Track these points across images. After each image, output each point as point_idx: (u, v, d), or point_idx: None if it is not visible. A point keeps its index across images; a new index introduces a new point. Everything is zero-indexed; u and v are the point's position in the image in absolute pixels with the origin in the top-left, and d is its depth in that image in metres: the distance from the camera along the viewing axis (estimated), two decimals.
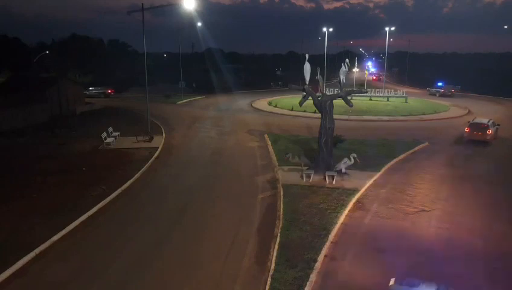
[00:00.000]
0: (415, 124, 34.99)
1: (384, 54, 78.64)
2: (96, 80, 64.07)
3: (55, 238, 12.79)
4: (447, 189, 18.01)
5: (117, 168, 20.47)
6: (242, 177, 19.73)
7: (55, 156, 22.96)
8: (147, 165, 21.28)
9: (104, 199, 16.17)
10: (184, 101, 52.24)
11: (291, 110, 41.29)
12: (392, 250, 12.37)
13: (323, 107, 19.12)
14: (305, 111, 35.72)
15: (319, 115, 19.70)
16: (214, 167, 21.80)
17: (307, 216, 14.44)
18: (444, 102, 49.81)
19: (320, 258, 11.61)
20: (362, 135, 28.84)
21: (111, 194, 16.81)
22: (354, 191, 17.12)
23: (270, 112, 42.16)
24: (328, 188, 17.50)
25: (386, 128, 32.77)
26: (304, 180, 18.33)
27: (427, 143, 26.50)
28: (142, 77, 29.49)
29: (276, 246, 12.20)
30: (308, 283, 10.34)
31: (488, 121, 27.13)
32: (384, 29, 61.79)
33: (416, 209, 15.47)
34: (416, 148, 25.29)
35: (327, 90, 40.60)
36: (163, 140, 27.43)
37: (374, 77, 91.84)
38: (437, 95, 53.14)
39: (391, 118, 38.28)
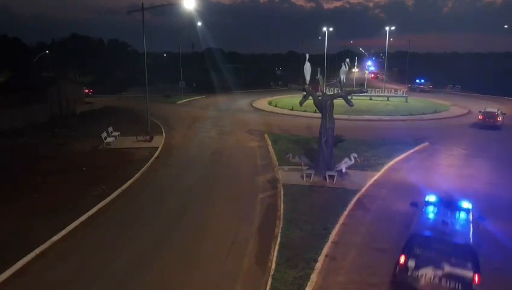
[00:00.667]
0: (415, 124, 34.96)
1: (384, 54, 78.81)
2: (96, 79, 64.02)
3: (55, 238, 12.77)
4: (447, 191, 17.98)
5: (117, 168, 20.45)
6: (242, 177, 19.71)
7: (55, 156, 22.94)
8: (147, 165, 21.26)
9: (104, 199, 16.15)
10: (184, 101, 52.22)
11: (292, 109, 41.27)
12: (393, 250, 12.34)
13: (324, 106, 19.09)
14: (305, 111, 35.70)
15: (319, 114, 19.67)
16: (214, 166, 21.77)
17: (308, 216, 14.42)
18: (444, 102, 49.82)
19: (321, 258, 11.59)
20: (362, 134, 28.82)
21: (111, 194, 16.79)
22: (355, 190, 17.10)
23: (270, 112, 42.14)
24: (328, 187, 17.49)
25: (387, 128, 32.75)
26: (304, 180, 18.31)
27: (427, 143, 26.47)
28: (142, 77, 29.49)
29: (277, 246, 12.19)
30: (308, 283, 10.32)
31: (497, 110, 32.78)
32: (384, 28, 61.86)
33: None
34: (417, 147, 25.26)
35: (327, 90, 40.55)
36: (163, 140, 27.41)
37: (372, 75, 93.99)
38: (417, 90, 58.29)
39: (391, 117, 38.27)
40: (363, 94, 40.30)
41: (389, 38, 62.53)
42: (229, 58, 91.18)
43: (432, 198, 11.68)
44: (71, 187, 17.54)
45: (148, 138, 26.81)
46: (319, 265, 11.21)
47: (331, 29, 63.89)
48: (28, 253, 11.70)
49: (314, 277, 10.65)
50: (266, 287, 10.18)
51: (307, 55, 20.11)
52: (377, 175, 19.41)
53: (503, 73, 62.95)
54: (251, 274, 11.02)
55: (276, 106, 45.98)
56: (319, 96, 19.78)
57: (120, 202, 16.46)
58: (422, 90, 51.27)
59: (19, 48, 69.88)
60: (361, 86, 57.31)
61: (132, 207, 15.97)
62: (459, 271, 9.18)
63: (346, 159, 18.95)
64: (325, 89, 34.61)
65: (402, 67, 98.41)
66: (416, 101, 49.69)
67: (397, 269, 9.90)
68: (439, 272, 9.40)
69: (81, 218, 14.32)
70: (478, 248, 9.56)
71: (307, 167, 19.26)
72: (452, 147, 25.64)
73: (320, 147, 19.26)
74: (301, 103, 20.11)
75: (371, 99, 50.51)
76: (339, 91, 20.20)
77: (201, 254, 12.11)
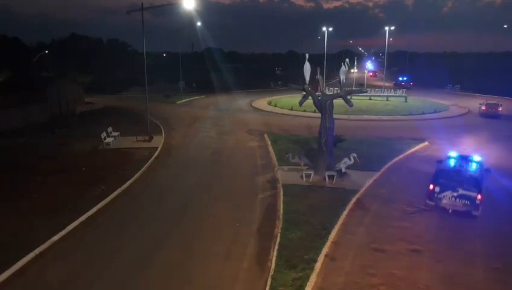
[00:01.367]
0: (414, 124, 34.94)
1: (383, 54, 78.83)
2: (96, 79, 63.97)
3: (55, 238, 12.77)
4: None
5: (116, 168, 20.45)
6: (242, 177, 19.71)
7: (55, 156, 22.93)
8: (146, 165, 21.26)
9: (103, 199, 16.14)
10: (184, 100, 52.21)
11: (291, 109, 41.26)
12: (393, 250, 12.36)
13: (323, 106, 19.09)
14: (304, 111, 35.69)
15: (319, 114, 19.68)
16: (214, 166, 21.78)
17: (307, 216, 14.42)
18: (444, 101, 49.83)
19: (321, 258, 11.59)
20: (362, 134, 28.82)
21: (110, 194, 16.78)
22: (354, 190, 17.11)
23: (270, 112, 42.14)
24: (328, 187, 17.50)
25: (386, 128, 32.75)
26: (304, 180, 18.32)
27: (427, 142, 26.48)
28: (141, 77, 29.44)
29: (276, 246, 12.19)
30: (308, 283, 10.33)
31: (498, 102, 39.56)
32: (383, 28, 61.93)
33: (416, 209, 15.46)
34: (416, 147, 25.27)
35: (327, 89, 40.56)
36: (162, 140, 27.40)
37: (371, 73, 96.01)
38: (399, 87, 63.21)
39: (391, 117, 38.28)
40: (362, 94, 40.28)
41: (388, 38, 62.65)
42: (229, 58, 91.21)
43: (453, 154, 16.93)
44: (71, 187, 17.54)
45: (147, 138, 26.81)
46: (318, 265, 11.21)
47: (330, 29, 63.92)
48: (28, 253, 11.70)
49: (313, 277, 10.65)
50: (266, 288, 10.19)
51: (307, 55, 20.12)
52: (376, 175, 19.42)
53: (503, 73, 62.97)
54: (251, 274, 11.03)
55: (275, 105, 45.97)
56: (318, 96, 19.79)
57: (119, 202, 16.46)
58: (403, 87, 57.36)
59: (19, 48, 69.86)
60: (361, 86, 57.29)
61: (131, 207, 15.98)
62: (468, 193, 14.41)
63: (346, 159, 18.95)
64: (325, 89, 34.61)
65: (402, 66, 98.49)
66: (416, 101, 49.68)
67: (428, 194, 15.23)
68: (455, 194, 14.69)
69: (80, 218, 14.31)
70: (482, 180, 14.88)
71: (306, 167, 19.27)
72: (451, 147, 25.63)
73: (320, 147, 19.26)
74: (301, 103, 20.11)
75: (370, 99, 50.51)
76: (339, 91, 20.19)
77: (201, 254, 12.11)
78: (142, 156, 22.95)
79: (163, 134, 29.41)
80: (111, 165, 21.04)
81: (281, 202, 15.73)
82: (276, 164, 21.17)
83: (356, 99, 37.97)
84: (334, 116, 19.65)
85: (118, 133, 27.48)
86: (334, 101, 19.55)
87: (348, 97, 19.75)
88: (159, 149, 24.83)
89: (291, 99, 47.18)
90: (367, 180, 18.46)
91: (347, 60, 20.64)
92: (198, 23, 63.06)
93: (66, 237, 13.08)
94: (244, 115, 39.88)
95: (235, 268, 11.34)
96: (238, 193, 17.50)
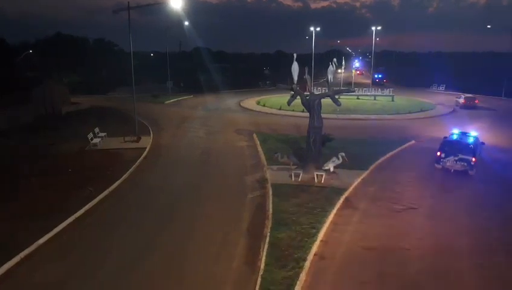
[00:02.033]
0: (401, 123, 35.41)
1: (370, 53, 79.74)
2: (82, 79, 63.00)
3: (41, 241, 12.57)
4: (431, 190, 18.31)
5: (104, 169, 20.21)
6: (231, 177, 19.70)
7: (41, 157, 22.55)
8: (134, 165, 21.07)
9: (91, 201, 15.95)
10: (172, 100, 51.89)
11: (280, 109, 41.36)
12: (382, 248, 12.51)
13: (312, 106, 19.20)
14: (293, 110, 35.80)
15: (307, 114, 19.79)
16: (203, 167, 21.71)
17: (296, 215, 14.49)
18: (430, 100, 50.58)
19: (310, 257, 11.67)
20: (350, 133, 29.07)
21: (98, 195, 16.59)
22: (343, 189, 17.26)
23: (259, 112, 42.18)
24: (317, 187, 17.60)
25: (374, 127, 33.11)
26: (293, 179, 18.39)
27: (413, 141, 26.86)
28: (129, 77, 29.12)
29: (266, 246, 12.22)
30: (298, 282, 10.39)
31: (474, 96, 45.34)
32: (370, 28, 62.54)
33: (403, 207, 15.68)
34: (403, 146, 25.61)
35: (315, 89, 40.76)
36: (151, 140, 27.19)
37: (358, 72, 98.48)
38: (374, 81, 71.46)
39: (378, 116, 38.68)
40: (350, 93, 40.54)
41: (375, 38, 63.28)
42: (217, 57, 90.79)
43: (455, 130, 21.67)
44: (57, 189, 17.28)
45: (135, 138, 26.57)
46: (308, 264, 11.28)
47: (318, 29, 64.21)
48: (14, 256, 11.49)
49: (303, 276, 10.72)
50: (255, 287, 10.21)
51: (295, 55, 20.19)
52: (364, 174, 19.62)
53: (487, 72, 64.16)
54: (240, 274, 11.04)
55: (264, 105, 46.03)
56: (306, 96, 19.89)
57: (108, 203, 16.28)
58: (378, 84, 63.96)
59: (2, 47, 68.35)
60: (349, 86, 57.74)
61: (120, 208, 15.83)
62: (466, 157, 19.12)
63: (334, 158, 19.09)
64: (313, 88, 34.77)
65: (388, 66, 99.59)
66: (403, 100, 50.29)
67: (436, 159, 20.08)
68: (456, 158, 19.29)
69: (67, 220, 14.12)
70: (477, 149, 19.75)
71: (295, 167, 19.35)
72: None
73: (309, 147, 19.37)
74: (289, 103, 20.20)
75: (358, 98, 50.93)
76: (327, 90, 20.32)
77: (191, 255, 12.07)
78: (130, 157, 22.73)
79: (151, 134, 29.18)
80: (98, 166, 20.79)
81: (270, 202, 15.78)
82: (265, 163, 21.21)
83: (344, 99, 38.17)
84: (322, 115, 19.78)
85: (105, 133, 27.17)
86: (322, 100, 19.68)
87: (336, 97, 19.91)
88: (147, 149, 24.63)
89: (280, 99, 47.28)
90: (355, 179, 18.63)
91: (335, 59, 20.78)
92: (186, 23, 62.66)
93: (54, 239, 12.90)
94: (233, 115, 39.83)
95: (225, 268, 11.34)
96: (228, 193, 17.49)
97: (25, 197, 16.36)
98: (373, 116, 38.50)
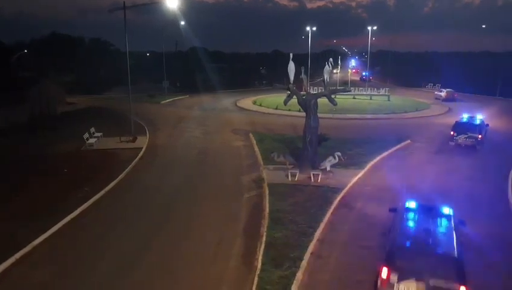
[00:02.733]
0: (397, 122, 35.55)
1: (366, 53, 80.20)
2: (77, 79, 62.71)
3: (37, 241, 12.51)
4: (428, 186, 18.39)
5: (100, 169, 20.15)
6: (228, 176, 19.69)
7: (36, 157, 22.43)
8: (130, 165, 21.01)
9: (87, 201, 15.89)
10: (168, 100, 51.79)
11: (276, 109, 41.40)
12: (378, 247, 12.54)
13: (308, 106, 19.24)
14: (289, 110, 35.86)
15: (304, 113, 19.82)
16: (199, 166, 21.68)
17: (293, 215, 14.52)
18: (425, 100, 50.86)
19: (306, 256, 11.70)
20: (346, 133, 29.15)
21: (94, 195, 16.53)
22: (339, 189, 17.31)
23: (255, 111, 42.19)
24: (313, 186, 17.64)
25: (370, 127, 33.22)
26: (289, 179, 18.42)
27: (409, 141, 26.97)
28: (125, 77, 28.98)
29: (263, 246, 12.23)
30: (294, 282, 10.40)
31: (454, 91, 51.64)
32: (366, 28, 62.72)
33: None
34: (399, 145, 25.71)
35: (311, 89, 40.84)
36: (147, 140, 27.12)
37: (354, 70, 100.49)
38: (361, 78, 79.20)
39: (374, 116, 38.82)
40: (346, 93, 40.68)
41: (371, 38, 63.48)
42: (214, 57, 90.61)
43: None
44: (53, 189, 17.20)
45: (131, 138, 26.50)
46: (304, 263, 11.31)
47: (314, 28, 64.26)
48: (9, 257, 11.42)
49: (299, 275, 10.74)
50: (252, 287, 10.21)
51: (291, 55, 20.23)
52: (361, 173, 19.68)
53: (483, 72, 64.42)
54: (237, 274, 11.04)
55: (260, 105, 46.05)
56: (303, 96, 19.93)
57: (104, 203, 16.23)
58: (364, 80, 68.88)
59: None
60: (345, 85, 57.89)
61: (116, 208, 15.77)
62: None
63: (331, 158, 19.14)
64: (309, 88, 34.81)
65: (384, 66, 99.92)
66: (398, 100, 50.55)
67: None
68: (466, 136, 19.92)
69: (63, 220, 14.06)
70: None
71: (291, 166, 19.38)
72: (432, 145, 26.19)
73: (305, 146, 19.41)
74: (285, 102, 20.25)
75: (354, 98, 51.09)
76: (323, 90, 20.35)
77: (188, 255, 12.06)
78: (126, 157, 22.66)
79: (147, 134, 29.10)
80: (94, 166, 20.72)
81: (267, 201, 15.79)
82: (262, 163, 21.22)
83: (340, 98, 38.28)
84: (319, 115, 19.82)
85: (101, 133, 27.06)
86: (319, 100, 19.72)
87: (332, 96, 19.95)
88: (143, 150, 24.57)
89: (276, 98, 47.32)
90: (351, 179, 18.69)
91: (331, 59, 20.82)
92: (182, 22, 62.47)
93: (49, 240, 12.83)
94: (229, 115, 39.82)
95: (222, 268, 11.34)
96: (224, 192, 17.48)
97: (20, 197, 16.26)
98: (369, 116, 38.64)
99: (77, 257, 11.90)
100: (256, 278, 10.51)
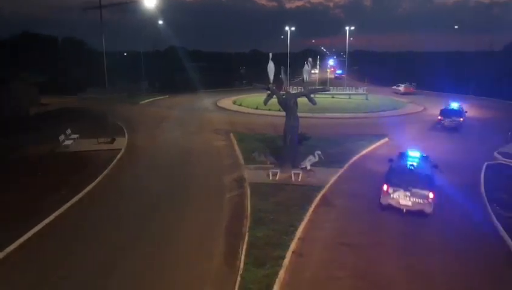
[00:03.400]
0: (375, 120, 36.18)
1: (344, 53, 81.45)
2: (51, 80, 60.90)
3: (11, 247, 12.09)
4: None
5: (77, 172, 19.66)
6: (209, 177, 19.59)
7: (9, 160, 21.69)
8: (109, 167, 20.60)
9: (63, 205, 15.47)
10: (147, 101, 51.06)
11: (256, 108, 41.44)
12: (358, 244, 12.76)
13: (288, 105, 19.35)
14: (270, 110, 35.97)
15: (284, 113, 19.92)
16: (180, 167, 21.47)
17: (274, 214, 14.58)
18: (402, 99, 52.04)
19: (288, 255, 11.77)
20: (326, 132, 29.47)
21: (72, 198, 16.12)
22: (320, 187, 17.49)
23: (235, 111, 42.13)
24: (294, 185, 17.76)
25: (349, 125, 33.71)
26: (271, 178, 18.48)
27: (387, 139, 27.52)
28: (101, 77, 28.35)
29: (245, 245, 12.24)
30: (277, 280, 10.46)
31: (410, 85, 59.27)
32: (344, 28, 63.58)
33: (378, 204, 16.02)
34: (378, 143, 26.20)
35: (291, 88, 41.10)
36: (126, 141, 26.65)
37: (332, 69, 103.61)
38: (335, 77, 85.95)
39: (353, 115, 39.43)
40: (325, 92, 41.12)
41: (349, 38, 64.40)
42: (193, 57, 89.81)
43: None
44: (27, 193, 16.65)
45: (109, 139, 25.97)
46: (286, 262, 11.38)
47: (293, 28, 64.70)
48: None
49: (282, 274, 10.80)
50: (235, 287, 10.21)
51: (270, 55, 20.30)
52: (340, 171, 19.95)
53: (455, 71, 66.37)
54: (220, 274, 11.02)
55: (241, 105, 46.02)
56: (283, 95, 20.03)
57: (81, 206, 15.84)
58: (338, 78, 78.80)
59: None
60: (324, 85, 58.51)
61: (95, 212, 15.42)
62: (420, 191, 14.32)
63: (311, 157, 19.32)
64: (289, 87, 35.04)
65: (361, 66, 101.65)
66: (376, 99, 51.45)
67: (382, 194, 15.08)
68: (450, 119, 27.00)
69: (39, 225, 13.65)
70: (433, 176, 15.19)
71: (272, 165, 19.45)
72: (409, 142, 26.81)
73: (285, 145, 19.52)
74: (266, 102, 20.30)
75: (333, 97, 51.68)
76: (303, 90, 20.51)
77: (170, 256, 11.94)
78: (104, 159, 22.20)
79: (126, 135, 28.59)
80: (71, 169, 20.22)
81: (248, 201, 15.80)
82: (243, 162, 21.22)
83: (319, 98, 38.71)
84: (299, 114, 19.97)
85: (78, 135, 26.41)
86: (298, 99, 19.86)
87: (312, 96, 20.14)
88: (122, 151, 24.12)
89: (256, 98, 47.39)
90: (332, 177, 18.92)
91: (310, 59, 21.01)
92: (160, 21, 61.72)
93: (25, 245, 12.43)
94: (210, 115, 39.61)
95: (204, 268, 11.29)
96: (206, 193, 17.38)
97: None
98: (348, 115, 39.20)
99: (54, 263, 11.56)
100: (238, 278, 10.52)
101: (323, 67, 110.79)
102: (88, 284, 10.58)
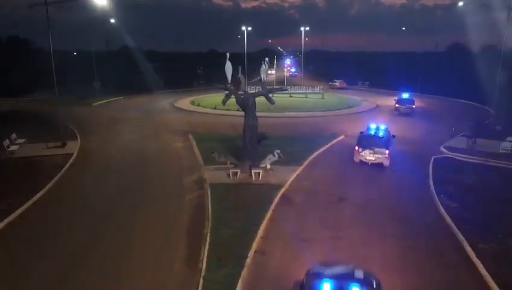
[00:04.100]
0: (331, 119, 37.24)
1: (300, 53, 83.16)
2: None
3: None
4: (360, 182, 19.56)
5: (25, 179, 18.51)
6: (168, 179, 19.20)
7: None
8: (60, 173, 19.57)
9: (10, 215, 14.51)
10: (100, 102, 49.06)
11: (215, 108, 41.17)
12: (318, 239, 13.08)
13: (246, 105, 19.41)
14: (228, 109, 35.82)
15: (243, 113, 19.96)
16: (138, 170, 20.85)
17: (236, 213, 14.59)
18: (357, 97, 53.96)
19: (251, 254, 11.82)
20: (284, 131, 29.90)
21: (19, 208, 15.14)
22: (280, 185, 17.72)
23: (193, 111, 41.61)
24: (254, 184, 17.87)
25: (306, 124, 34.41)
26: (231, 178, 18.46)
27: (343, 136, 28.42)
28: (49, 77, 26.77)
29: (207, 246, 12.14)
30: (240, 280, 10.47)
31: (344, 82, 67.04)
32: (299, 28, 64.85)
33: (336, 198, 16.55)
34: (334, 141, 26.99)
35: (249, 88, 41.25)
36: (78, 145, 25.44)
37: (288, 68, 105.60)
38: (290, 75, 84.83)
39: (310, 113, 40.28)
40: (283, 92, 41.68)
41: (304, 38, 65.79)
42: (148, 57, 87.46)
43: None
44: None
45: (60, 144, 24.65)
46: (249, 261, 11.42)
47: (249, 28, 64.94)
48: None
49: (245, 273, 10.83)
50: (198, 289, 10.08)
51: (228, 55, 20.26)
52: (299, 169, 20.32)
53: (403, 70, 69.83)
54: (182, 277, 10.86)
55: (199, 105, 45.51)
56: (241, 95, 20.06)
57: (31, 216, 14.92)
58: (292, 76, 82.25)
59: None
60: (282, 84, 59.27)
61: (46, 221, 14.56)
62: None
63: (270, 156, 19.53)
64: (247, 87, 35.06)
65: (317, 65, 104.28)
66: (333, 98, 52.91)
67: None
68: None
69: None
70: (389, 140, 21.21)
71: (232, 165, 19.43)
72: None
73: (245, 145, 19.57)
74: (224, 102, 20.23)
75: (290, 96, 52.53)
76: (261, 89, 20.65)
77: (129, 263, 11.58)
78: (55, 164, 21.04)
79: (78, 139, 27.29)
80: (18, 176, 19.02)
81: (209, 202, 15.68)
82: (202, 163, 21.01)
83: (277, 97, 39.21)
84: (257, 113, 20.10)
85: (24, 140, 24.84)
86: (257, 99, 19.98)
87: (270, 95, 20.34)
88: (74, 155, 23.01)
89: (214, 98, 47.03)
90: (291, 175, 19.23)
91: (267, 58, 21.25)
92: (112, 20, 59.45)
93: None
94: (167, 116, 38.81)
95: (166, 272, 11.07)
96: (166, 195, 17.02)
97: None
98: (305, 114, 40.01)
99: (3, 276, 10.81)
100: (201, 280, 10.40)
101: (280, 67, 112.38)
102: None
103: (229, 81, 19.82)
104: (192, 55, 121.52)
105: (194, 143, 25.81)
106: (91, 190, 17.95)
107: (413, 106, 38.90)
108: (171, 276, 10.92)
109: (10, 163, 21.46)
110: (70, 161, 21.94)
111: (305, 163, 21.47)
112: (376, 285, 8.50)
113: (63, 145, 24.68)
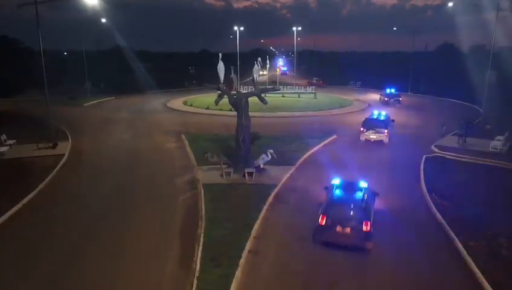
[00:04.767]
0: (324, 119, 37.41)
1: (293, 52, 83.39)
2: None
3: None
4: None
5: (16, 180, 18.32)
6: (161, 179, 19.15)
7: None
8: (52, 174, 19.41)
9: (0, 217, 14.33)
10: (92, 102, 48.68)
11: (207, 109, 41.11)
12: (311, 238, 13.14)
13: (239, 105, 19.43)
14: (221, 110, 35.75)
15: (235, 113, 19.98)
16: (130, 171, 20.75)
17: (229, 214, 14.60)
18: (348, 97, 54.27)
19: (244, 254, 11.85)
20: (277, 130, 29.97)
21: (10, 209, 14.98)
22: (273, 185, 17.77)
23: (186, 112, 41.50)
24: (247, 184, 17.90)
25: (299, 123, 34.52)
26: (224, 178, 18.47)
27: (335, 136, 28.58)
28: (40, 77, 26.49)
29: (200, 247, 12.14)
30: (234, 280, 10.49)
31: (320, 80, 69.61)
32: (291, 28, 65.04)
33: None
34: (327, 141, 27.13)
35: (242, 88, 41.27)
36: (70, 146, 25.23)
37: (280, 67, 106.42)
38: (281, 74, 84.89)
39: (303, 113, 40.42)
40: (276, 92, 41.81)
41: (296, 38, 65.98)
42: (140, 57, 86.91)
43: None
44: None
45: (51, 144, 24.42)
46: (242, 261, 11.45)
47: (242, 28, 64.92)
48: None
49: (238, 273, 10.85)
50: (192, 289, 10.09)
51: (220, 55, 20.26)
52: (292, 169, 20.40)
53: (397, 70, 70.38)
54: (176, 278, 10.85)
55: (191, 105, 45.39)
56: (234, 95, 20.08)
57: (22, 217, 14.78)
58: (283, 74, 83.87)
59: None
60: (274, 84, 59.38)
61: (38, 223, 14.44)
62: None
63: (263, 156, 19.57)
64: (240, 87, 35.14)
65: (309, 65, 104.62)
66: (325, 97, 53.14)
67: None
68: (374, 131, 24.76)
69: None
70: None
71: (225, 166, 19.44)
72: (344, 138, 28.13)
73: (238, 145, 19.59)
74: (217, 102, 20.22)
75: (283, 96, 52.64)
76: (253, 89, 20.68)
77: (123, 263, 11.55)
78: (46, 165, 20.85)
79: (70, 140, 27.06)
80: (8, 177, 18.80)
81: (203, 202, 15.67)
82: (195, 164, 20.98)
83: (270, 97, 39.30)
84: (250, 113, 20.13)
85: (14, 141, 24.57)
86: (249, 99, 20.01)
87: (262, 95, 20.38)
88: (66, 156, 22.82)
89: (207, 98, 46.93)
90: (284, 175, 19.29)
91: (259, 58, 21.24)
92: (103, 20, 59.00)
93: None
94: (160, 116, 38.66)
95: (160, 272, 11.05)
96: (159, 196, 16.98)
97: None
98: (297, 113, 40.13)
99: None
100: (195, 280, 10.41)
101: (273, 67, 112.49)
102: None
103: (222, 81, 19.82)
104: (184, 55, 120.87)
105: (187, 143, 25.76)
106: (83, 190, 17.83)
107: (400, 98, 45.96)
108: (165, 276, 10.91)
109: (0, 164, 21.20)
110: (62, 161, 21.75)
111: (298, 163, 21.55)
112: (373, 192, 14.46)
113: (54, 146, 24.46)
